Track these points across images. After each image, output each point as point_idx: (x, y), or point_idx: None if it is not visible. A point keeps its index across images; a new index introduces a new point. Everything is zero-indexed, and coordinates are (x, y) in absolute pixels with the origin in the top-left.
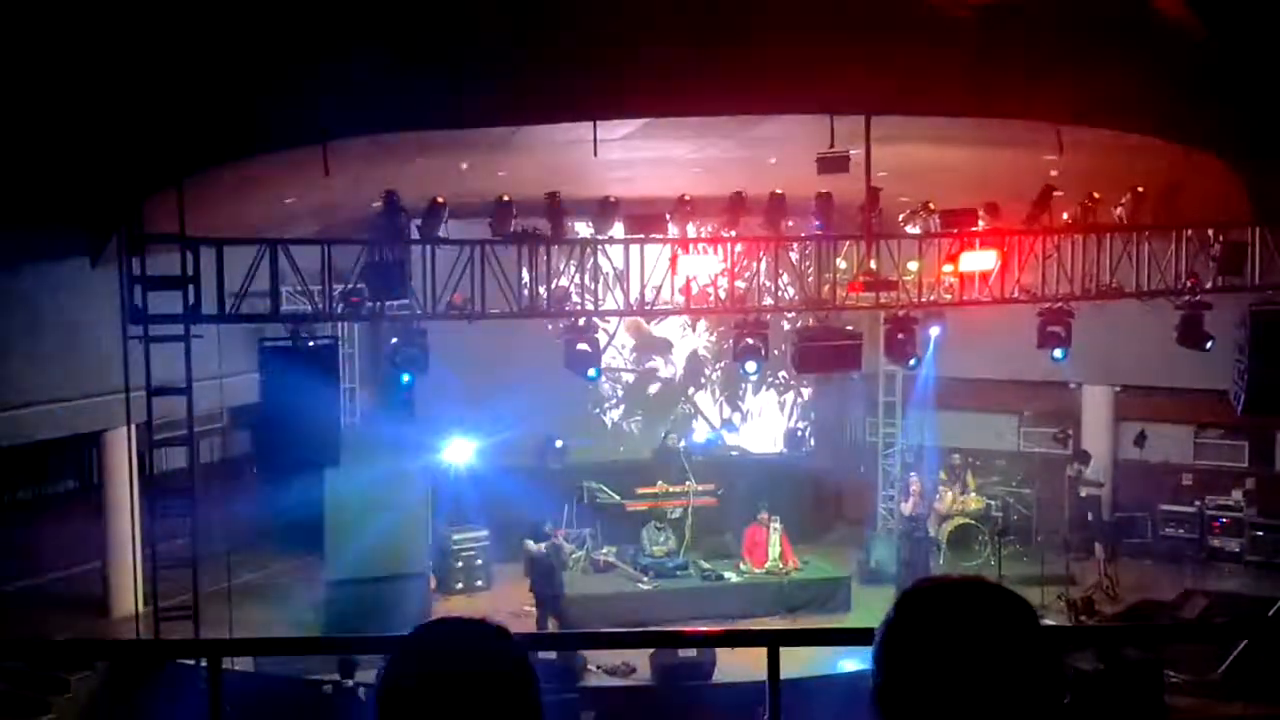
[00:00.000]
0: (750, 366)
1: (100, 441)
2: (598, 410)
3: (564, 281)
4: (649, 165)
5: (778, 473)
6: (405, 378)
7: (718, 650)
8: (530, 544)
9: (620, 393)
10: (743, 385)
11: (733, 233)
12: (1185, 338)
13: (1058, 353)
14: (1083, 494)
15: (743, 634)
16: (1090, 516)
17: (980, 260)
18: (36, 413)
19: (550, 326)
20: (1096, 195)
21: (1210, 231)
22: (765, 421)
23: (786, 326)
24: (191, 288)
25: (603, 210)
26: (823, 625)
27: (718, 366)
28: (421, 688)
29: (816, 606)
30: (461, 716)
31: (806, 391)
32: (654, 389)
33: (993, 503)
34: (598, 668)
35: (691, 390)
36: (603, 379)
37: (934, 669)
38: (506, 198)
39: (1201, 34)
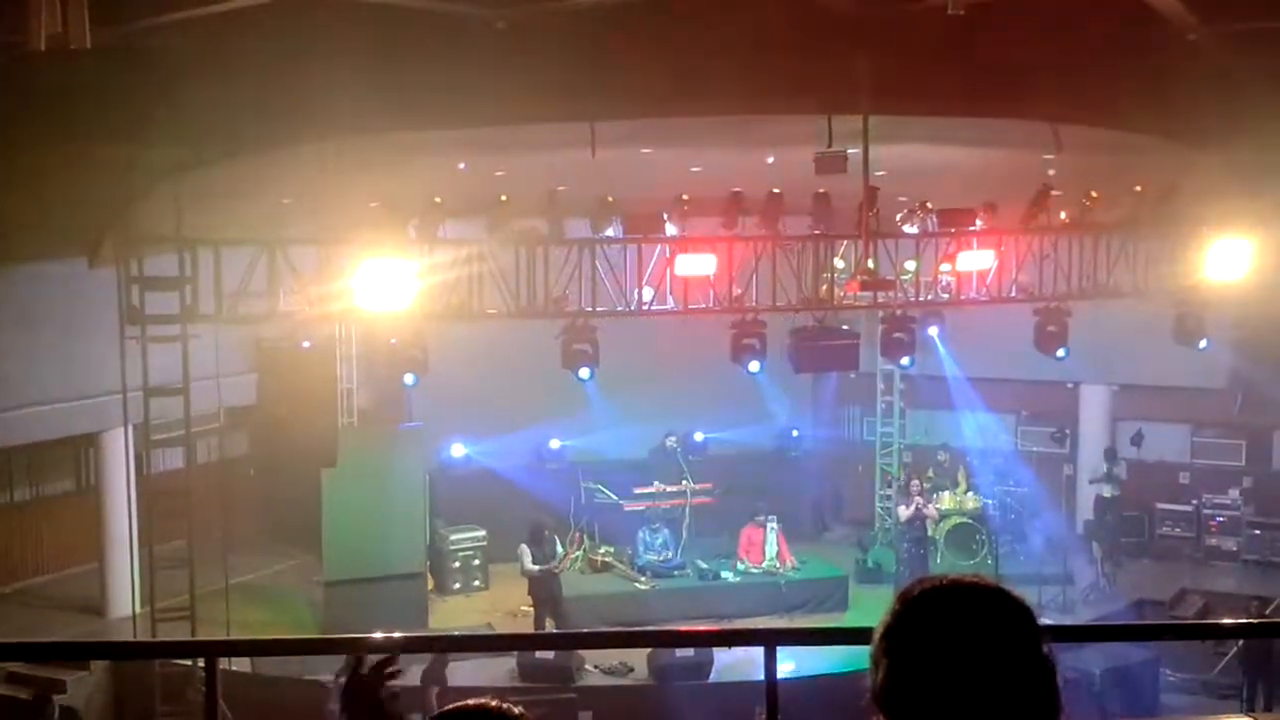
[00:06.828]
0: (754, 367)
1: (97, 442)
2: (595, 409)
3: (561, 281)
4: (646, 165)
5: (775, 472)
6: (409, 379)
7: (715, 649)
8: (526, 545)
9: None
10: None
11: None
12: (1182, 336)
13: (1061, 351)
14: (1105, 494)
15: (740, 633)
16: (1109, 517)
17: (978, 259)
18: (33, 414)
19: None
20: (1094, 194)
21: (1207, 231)
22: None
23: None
24: (189, 288)
25: (600, 210)
26: (820, 624)
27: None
28: None
29: (813, 606)
30: None
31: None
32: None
33: (990, 502)
34: (595, 667)
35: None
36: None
37: (933, 669)
38: (504, 198)
39: (1196, 30)
